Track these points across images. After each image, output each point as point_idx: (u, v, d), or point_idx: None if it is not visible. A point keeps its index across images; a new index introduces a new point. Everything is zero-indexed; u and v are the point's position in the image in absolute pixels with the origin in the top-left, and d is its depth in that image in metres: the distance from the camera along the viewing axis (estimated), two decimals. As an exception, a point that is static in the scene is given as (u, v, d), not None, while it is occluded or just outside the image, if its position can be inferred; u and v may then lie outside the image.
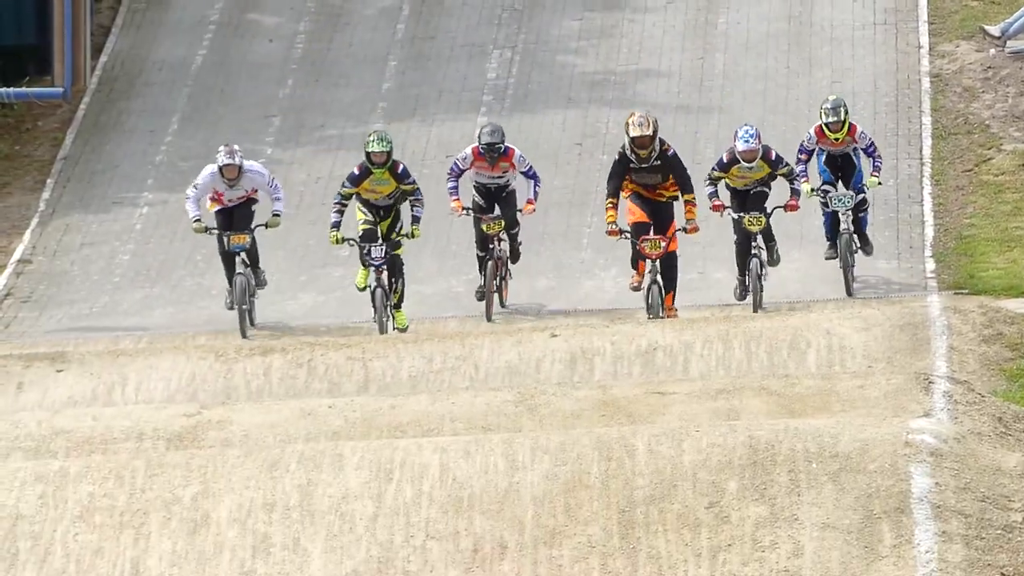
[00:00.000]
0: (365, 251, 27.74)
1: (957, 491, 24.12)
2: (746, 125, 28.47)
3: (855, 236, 34.60)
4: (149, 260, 45.30)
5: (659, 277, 27.00)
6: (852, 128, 33.97)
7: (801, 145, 33.70)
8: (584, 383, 32.04)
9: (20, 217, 47.86)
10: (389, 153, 26.94)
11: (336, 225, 28.15)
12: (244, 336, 30.94)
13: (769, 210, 28.25)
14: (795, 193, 28.17)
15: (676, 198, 26.35)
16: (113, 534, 23.44)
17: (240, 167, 27.76)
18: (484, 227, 29.45)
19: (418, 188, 27.65)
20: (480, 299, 32.38)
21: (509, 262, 31.18)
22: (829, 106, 34.07)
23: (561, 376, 31.82)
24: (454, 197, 30.93)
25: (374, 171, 27.32)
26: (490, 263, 29.74)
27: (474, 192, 32.19)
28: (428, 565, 23.28)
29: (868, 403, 29.05)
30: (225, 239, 28.08)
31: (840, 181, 32.57)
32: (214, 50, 55.33)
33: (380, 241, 28.09)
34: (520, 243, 32.37)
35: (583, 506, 23.71)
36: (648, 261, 26.43)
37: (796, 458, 24.39)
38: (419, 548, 23.38)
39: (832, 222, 33.98)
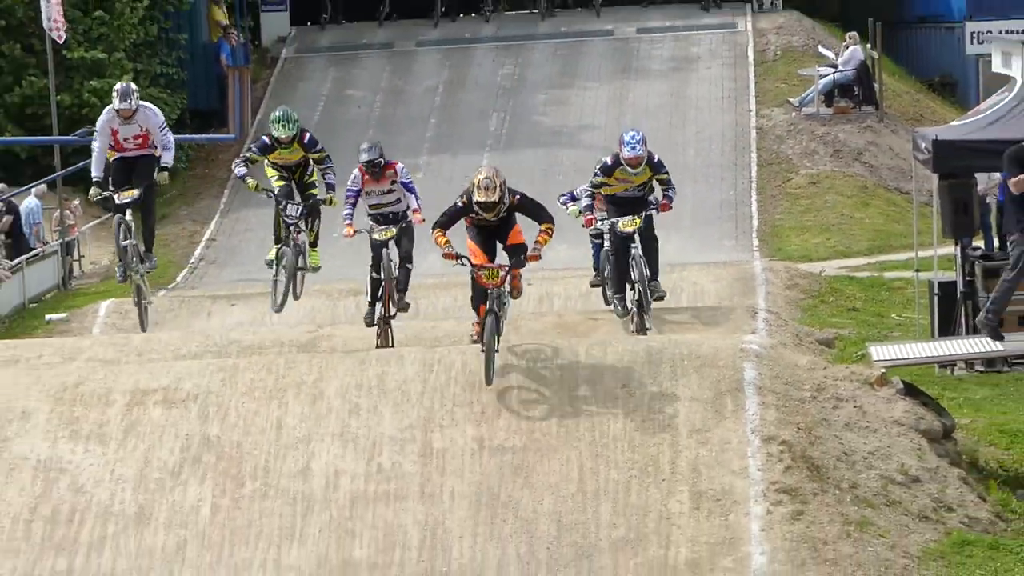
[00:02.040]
0: (282, 207, 22.50)
1: (771, 378, 24.17)
2: (632, 130, 21.87)
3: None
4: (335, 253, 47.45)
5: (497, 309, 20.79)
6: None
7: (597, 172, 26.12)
8: (547, 313, 32.23)
9: (208, 213, 49.92)
10: (295, 136, 21.81)
11: (244, 176, 22.61)
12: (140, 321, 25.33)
13: (648, 211, 21.98)
14: (668, 197, 21.70)
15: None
16: (265, 403, 23.49)
17: (135, 110, 21.87)
18: (377, 236, 23.57)
19: (327, 156, 22.30)
20: (369, 325, 25.84)
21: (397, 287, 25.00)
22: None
23: (534, 308, 32.41)
24: (347, 223, 24.07)
25: (282, 141, 21.84)
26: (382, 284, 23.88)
27: (368, 219, 24.77)
28: (454, 421, 23.10)
29: (718, 325, 30.41)
30: (115, 196, 22.54)
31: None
32: (324, 113, 53.87)
33: (296, 199, 22.76)
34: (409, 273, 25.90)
35: (547, 387, 23.67)
36: (488, 295, 20.31)
37: (675, 358, 24.16)
38: (449, 411, 23.23)
39: (601, 252, 26.20)
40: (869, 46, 52.74)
